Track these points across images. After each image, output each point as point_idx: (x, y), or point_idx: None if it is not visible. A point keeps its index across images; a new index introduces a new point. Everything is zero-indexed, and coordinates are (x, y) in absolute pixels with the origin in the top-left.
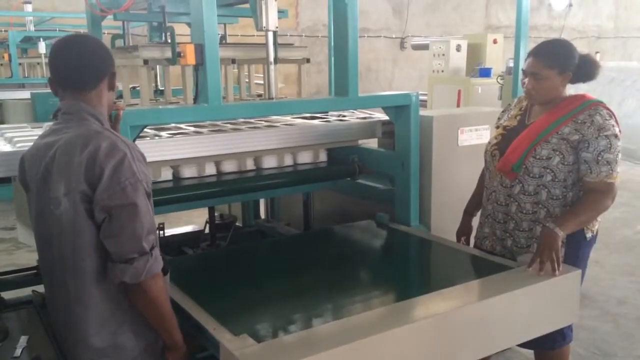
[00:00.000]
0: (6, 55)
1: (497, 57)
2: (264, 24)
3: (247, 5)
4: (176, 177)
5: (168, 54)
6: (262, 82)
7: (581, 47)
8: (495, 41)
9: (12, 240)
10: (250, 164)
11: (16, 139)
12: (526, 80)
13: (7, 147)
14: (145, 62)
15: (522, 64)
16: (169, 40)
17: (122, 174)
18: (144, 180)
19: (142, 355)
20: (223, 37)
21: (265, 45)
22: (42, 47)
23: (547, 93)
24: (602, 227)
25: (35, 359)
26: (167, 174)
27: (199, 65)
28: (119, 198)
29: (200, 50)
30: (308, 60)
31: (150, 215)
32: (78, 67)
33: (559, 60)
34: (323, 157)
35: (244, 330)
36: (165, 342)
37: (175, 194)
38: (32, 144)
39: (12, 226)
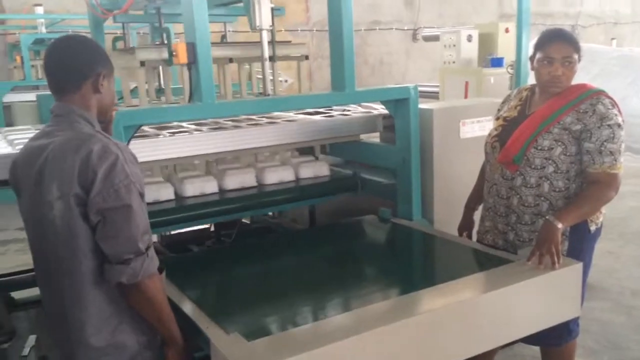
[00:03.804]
0: (19, 58)
1: (510, 46)
2: (258, 23)
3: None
4: (178, 196)
5: (165, 54)
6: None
7: (598, 34)
8: (507, 30)
9: (26, 241)
10: (251, 180)
11: None
12: (552, 67)
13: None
14: (142, 63)
15: (551, 51)
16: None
17: (115, 177)
18: (137, 182)
19: (142, 352)
20: (224, 36)
21: (260, 43)
22: None
23: (571, 79)
24: (618, 217)
25: (42, 358)
26: (169, 193)
27: (192, 64)
28: (113, 200)
29: (192, 49)
30: (307, 57)
31: (145, 215)
32: (58, 69)
33: (579, 46)
34: (325, 170)
35: (239, 329)
36: (164, 338)
37: (180, 214)
38: (22, 147)
39: None
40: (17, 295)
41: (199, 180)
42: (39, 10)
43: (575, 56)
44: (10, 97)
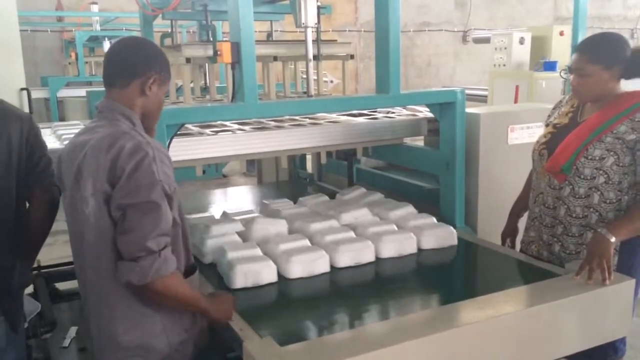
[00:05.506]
0: (74, 54)
1: (564, 50)
2: (303, 20)
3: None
4: (281, 276)
5: (210, 52)
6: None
7: None
8: (561, 33)
9: None
10: (369, 255)
11: None
12: (571, 77)
13: None
14: (188, 60)
15: (572, 61)
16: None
17: (140, 174)
18: (164, 182)
19: (173, 355)
20: (270, 35)
21: (305, 42)
22: (107, 47)
23: (593, 90)
24: None
25: (82, 350)
26: (270, 275)
27: (235, 64)
28: (133, 196)
29: (236, 48)
30: (352, 57)
31: (165, 216)
32: (114, 63)
33: (604, 55)
34: (452, 239)
35: (272, 333)
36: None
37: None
38: (68, 142)
39: None
40: (62, 286)
41: (307, 259)
42: (95, 8)
43: (591, 67)
44: (64, 93)
